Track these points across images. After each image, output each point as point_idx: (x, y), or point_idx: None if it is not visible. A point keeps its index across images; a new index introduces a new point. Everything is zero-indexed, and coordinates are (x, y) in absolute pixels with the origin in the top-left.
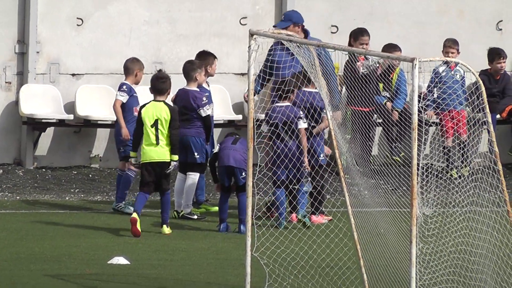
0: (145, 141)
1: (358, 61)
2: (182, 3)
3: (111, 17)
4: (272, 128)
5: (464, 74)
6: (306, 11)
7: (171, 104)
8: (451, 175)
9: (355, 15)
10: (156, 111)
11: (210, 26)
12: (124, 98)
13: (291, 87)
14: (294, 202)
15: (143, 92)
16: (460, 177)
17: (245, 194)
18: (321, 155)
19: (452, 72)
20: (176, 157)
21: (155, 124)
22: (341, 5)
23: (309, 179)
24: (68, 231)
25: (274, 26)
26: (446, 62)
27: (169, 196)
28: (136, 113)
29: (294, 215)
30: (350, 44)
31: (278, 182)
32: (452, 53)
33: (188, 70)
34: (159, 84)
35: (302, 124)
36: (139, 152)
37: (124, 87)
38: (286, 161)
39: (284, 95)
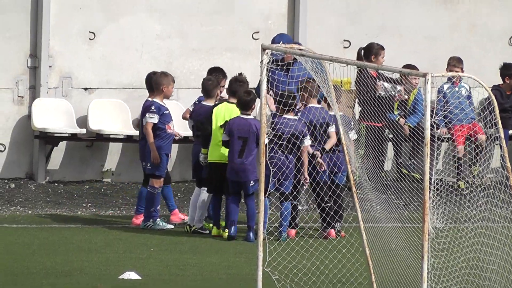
0: (213, 141)
1: (378, 80)
2: (194, 17)
3: (123, 31)
4: (275, 139)
5: (470, 89)
6: (318, 25)
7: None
8: (458, 185)
9: (367, 30)
10: (227, 112)
11: (222, 40)
12: (154, 119)
13: (295, 101)
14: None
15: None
16: (469, 186)
17: (253, 199)
18: (342, 173)
19: (457, 89)
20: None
21: (225, 125)
22: (353, 20)
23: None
24: (80, 245)
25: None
26: (450, 79)
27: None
28: (169, 130)
29: (292, 230)
30: (362, 60)
31: (287, 194)
32: (456, 71)
33: (210, 87)
34: (236, 87)
35: (307, 142)
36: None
37: (153, 107)
38: (290, 175)
39: (287, 108)
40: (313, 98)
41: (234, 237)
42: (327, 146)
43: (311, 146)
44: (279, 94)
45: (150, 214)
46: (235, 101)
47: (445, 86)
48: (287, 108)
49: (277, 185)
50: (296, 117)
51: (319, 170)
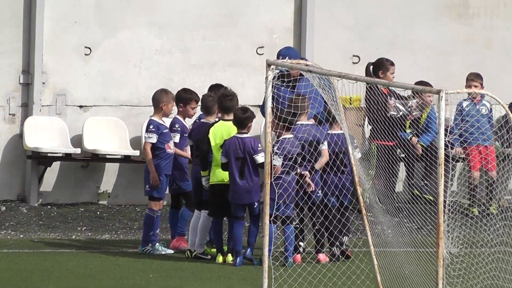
0: (214, 162)
1: (390, 99)
2: (196, 31)
3: (121, 45)
4: (283, 160)
5: (491, 108)
6: (326, 40)
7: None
8: (472, 212)
9: (377, 44)
10: (225, 131)
11: (224, 56)
12: (152, 139)
13: (294, 118)
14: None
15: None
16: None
17: (259, 220)
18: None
19: (477, 107)
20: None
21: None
22: (362, 34)
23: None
24: (75, 271)
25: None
26: (470, 96)
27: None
28: (169, 150)
29: (298, 256)
30: (371, 76)
31: (293, 216)
32: (476, 86)
33: (210, 104)
34: (226, 102)
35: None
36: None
37: (151, 126)
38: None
39: (287, 126)
40: (304, 115)
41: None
42: (318, 165)
43: (300, 165)
44: (283, 111)
45: (149, 238)
46: (229, 117)
47: (464, 104)
48: (287, 126)
49: (282, 208)
50: (292, 135)
51: (307, 190)
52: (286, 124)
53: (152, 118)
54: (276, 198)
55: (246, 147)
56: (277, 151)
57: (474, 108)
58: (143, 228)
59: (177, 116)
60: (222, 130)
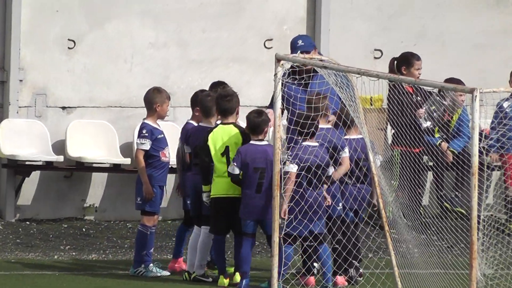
0: (215, 173)
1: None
2: (195, 22)
3: (109, 38)
4: (303, 172)
5: None
6: (343, 32)
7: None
8: (509, 228)
9: (402, 37)
10: (225, 137)
11: (227, 50)
12: (146, 145)
13: (315, 122)
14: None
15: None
16: None
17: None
18: (339, 205)
19: None
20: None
21: (225, 152)
22: (385, 25)
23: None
24: None
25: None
26: None
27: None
28: (164, 158)
29: (312, 278)
30: (395, 73)
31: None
32: None
33: (209, 104)
34: (225, 104)
35: (332, 169)
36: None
37: (144, 131)
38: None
39: (309, 132)
40: (322, 117)
41: None
42: (336, 175)
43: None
44: (296, 114)
45: (141, 258)
46: (230, 121)
47: (505, 104)
48: (305, 131)
49: (311, 226)
50: (316, 143)
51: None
52: (312, 130)
53: (145, 121)
54: (296, 214)
55: (268, 156)
56: (289, 157)
57: None
58: (135, 247)
59: (191, 122)
60: (222, 136)
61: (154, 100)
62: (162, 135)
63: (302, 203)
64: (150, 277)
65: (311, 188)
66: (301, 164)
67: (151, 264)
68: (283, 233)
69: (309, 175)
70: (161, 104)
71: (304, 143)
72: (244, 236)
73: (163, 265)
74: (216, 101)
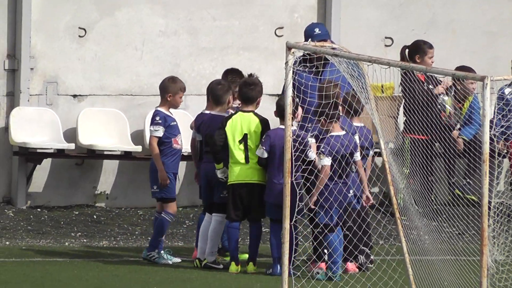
0: (232, 159)
1: (435, 84)
2: (205, 10)
3: (120, 26)
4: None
5: None
6: (355, 20)
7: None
8: None
9: (413, 25)
10: (244, 124)
11: (238, 38)
12: (159, 132)
13: (337, 111)
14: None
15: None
16: None
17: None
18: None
19: None
20: None
21: (244, 139)
22: (396, 13)
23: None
24: (68, 284)
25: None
26: None
27: (260, 227)
28: (176, 145)
29: (323, 264)
30: (407, 61)
31: (332, 225)
32: None
33: (220, 92)
34: (248, 92)
35: (358, 157)
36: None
37: (157, 118)
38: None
39: (333, 121)
40: (337, 121)
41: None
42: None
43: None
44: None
45: (157, 243)
46: (250, 109)
47: (507, 91)
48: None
49: (321, 214)
50: (343, 132)
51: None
52: (334, 119)
53: (158, 108)
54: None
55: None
56: (323, 150)
57: None
58: (154, 232)
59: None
60: (241, 123)
61: (167, 90)
62: (175, 122)
63: (326, 194)
64: (162, 263)
65: (336, 179)
66: (334, 154)
67: (162, 251)
68: (323, 222)
69: (339, 165)
70: (173, 95)
71: (333, 133)
72: (272, 222)
73: (174, 252)
74: (239, 88)
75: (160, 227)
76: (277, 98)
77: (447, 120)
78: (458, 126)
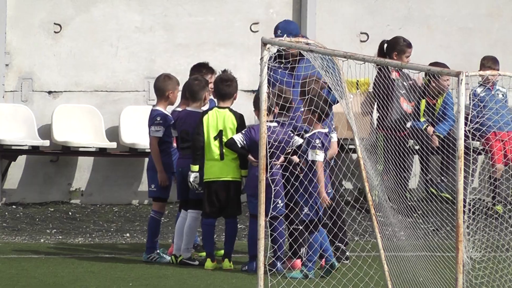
0: (207, 156)
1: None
2: (181, 6)
3: (95, 22)
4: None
5: (506, 93)
6: (330, 15)
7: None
8: (496, 211)
9: (388, 20)
10: (220, 120)
11: (214, 34)
12: (159, 133)
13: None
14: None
15: None
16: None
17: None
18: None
19: (492, 92)
20: (246, 172)
21: (219, 136)
22: (371, 9)
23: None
24: (43, 280)
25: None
26: (486, 81)
27: (235, 223)
28: (175, 145)
29: (298, 261)
30: (384, 55)
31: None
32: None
33: (197, 88)
34: (224, 88)
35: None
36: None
37: (158, 118)
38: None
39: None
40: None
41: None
42: (329, 155)
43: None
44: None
45: (154, 245)
46: (226, 105)
47: (479, 90)
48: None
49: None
50: (326, 130)
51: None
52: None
53: (157, 108)
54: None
55: (277, 136)
56: (318, 145)
57: (489, 93)
58: (148, 234)
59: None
60: (217, 119)
61: (167, 88)
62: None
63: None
64: (163, 263)
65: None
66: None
67: (159, 250)
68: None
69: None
70: (173, 91)
71: (316, 131)
72: (252, 218)
73: (165, 249)
74: (215, 84)
75: (152, 228)
76: (253, 95)
77: (405, 112)
78: (409, 124)
